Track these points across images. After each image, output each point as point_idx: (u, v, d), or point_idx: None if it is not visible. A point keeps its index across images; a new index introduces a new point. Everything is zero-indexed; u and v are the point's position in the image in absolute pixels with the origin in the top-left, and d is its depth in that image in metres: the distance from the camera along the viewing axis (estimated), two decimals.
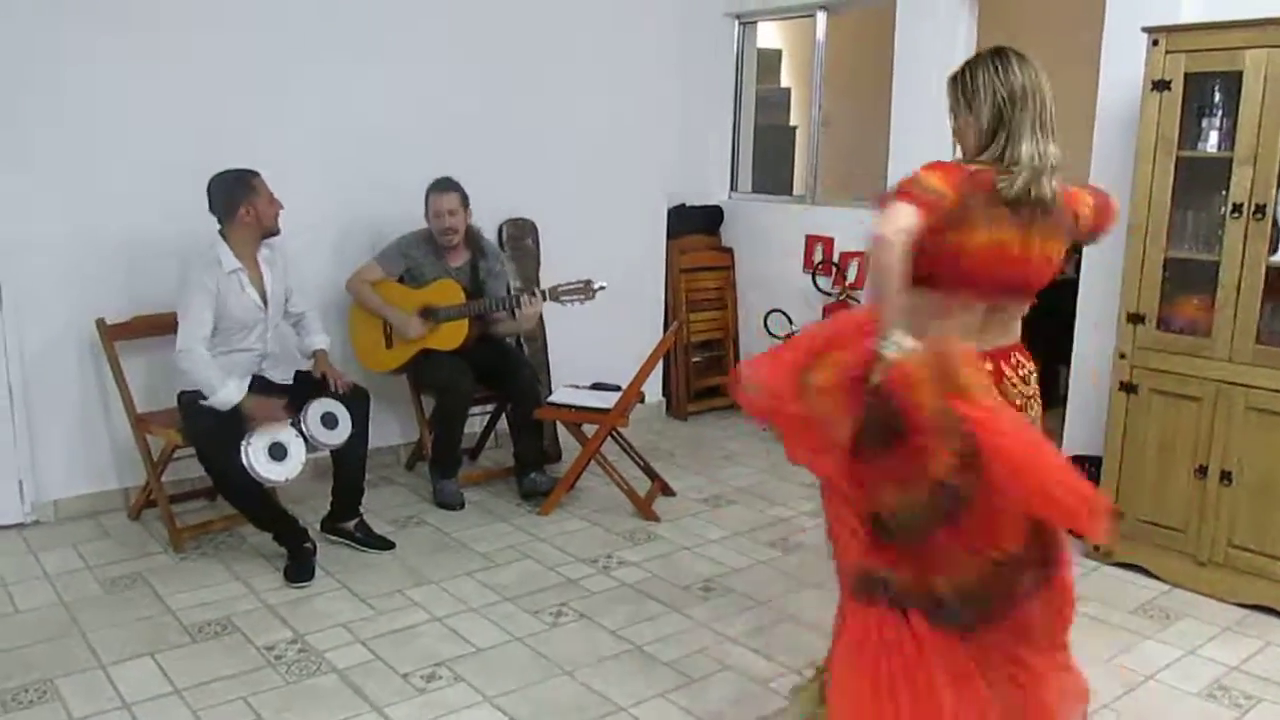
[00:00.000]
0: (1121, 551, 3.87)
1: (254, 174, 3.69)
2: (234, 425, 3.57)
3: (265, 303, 3.77)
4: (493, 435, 5.12)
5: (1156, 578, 3.77)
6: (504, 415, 4.88)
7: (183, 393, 3.73)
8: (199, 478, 4.01)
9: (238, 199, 3.64)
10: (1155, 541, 3.79)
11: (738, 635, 3.30)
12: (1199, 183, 3.67)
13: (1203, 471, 3.63)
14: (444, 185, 4.39)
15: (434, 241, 4.44)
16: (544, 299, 4.36)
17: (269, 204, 3.70)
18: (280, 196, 3.76)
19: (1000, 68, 2.24)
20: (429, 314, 4.35)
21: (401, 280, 4.43)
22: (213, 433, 3.60)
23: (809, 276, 5.55)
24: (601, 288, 4.34)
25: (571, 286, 4.34)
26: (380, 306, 4.38)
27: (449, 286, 4.40)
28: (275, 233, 3.76)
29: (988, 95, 2.23)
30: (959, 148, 2.37)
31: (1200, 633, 3.41)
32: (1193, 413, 3.64)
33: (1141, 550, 3.83)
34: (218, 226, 3.69)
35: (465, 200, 4.41)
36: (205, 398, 3.60)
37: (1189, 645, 3.32)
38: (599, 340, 4.87)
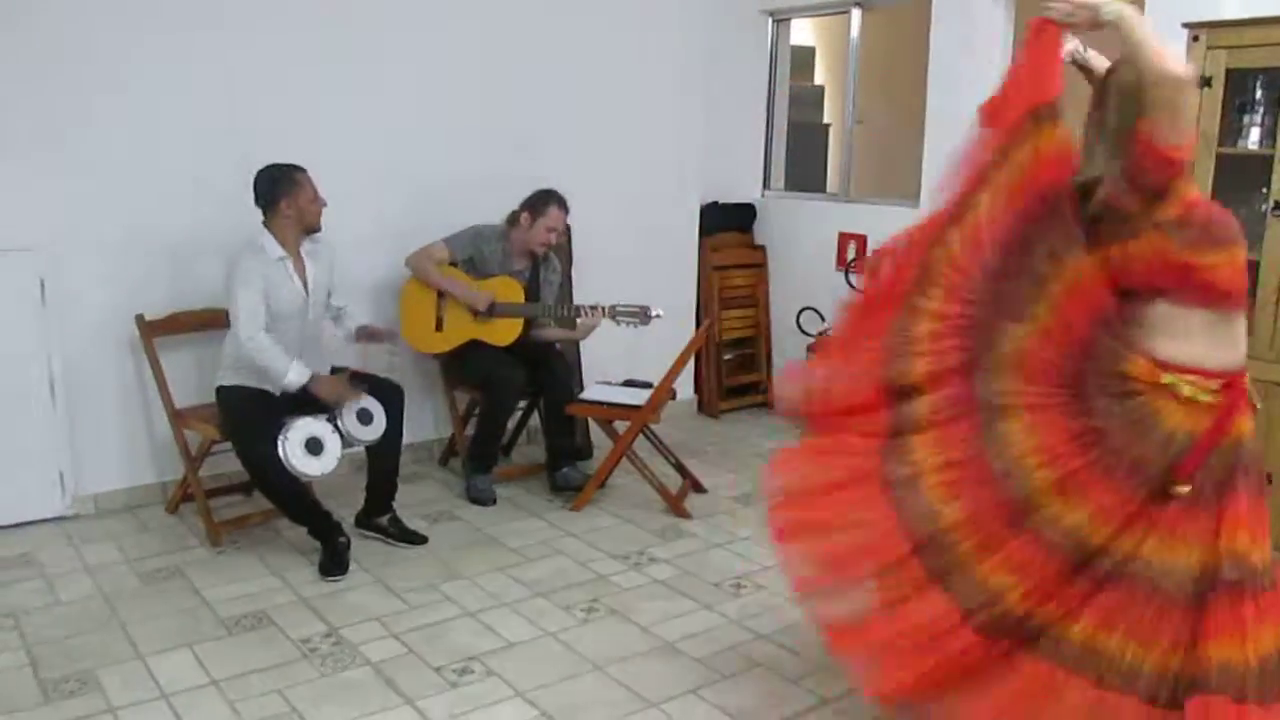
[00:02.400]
0: None
1: (299, 169, 3.73)
2: (270, 420, 3.62)
3: (307, 293, 3.81)
4: (524, 431, 5.14)
5: None
6: (536, 411, 4.91)
7: (220, 387, 3.77)
8: (236, 472, 4.06)
9: (279, 193, 3.68)
10: None
11: (769, 632, 3.30)
12: (1239, 180, 3.62)
13: None
14: (566, 204, 4.44)
15: (506, 239, 4.48)
16: (603, 315, 4.39)
17: (311, 200, 3.74)
18: (328, 184, 3.80)
19: None
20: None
21: (456, 265, 4.47)
22: (250, 427, 3.64)
23: (842, 274, 5.53)
24: (658, 315, 4.36)
25: (630, 309, 4.36)
26: (444, 281, 4.40)
27: (510, 284, 4.43)
28: (316, 229, 3.80)
29: None
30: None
31: None
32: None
33: None
34: (261, 218, 3.74)
35: None
36: (251, 389, 3.67)
37: None
38: (631, 338, 4.88)
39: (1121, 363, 2.15)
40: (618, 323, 4.39)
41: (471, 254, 4.46)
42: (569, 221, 4.95)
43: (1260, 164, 3.51)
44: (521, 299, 4.45)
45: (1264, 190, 3.49)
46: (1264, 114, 3.56)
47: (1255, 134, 3.59)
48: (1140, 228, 2.13)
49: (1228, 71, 3.54)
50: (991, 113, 2.32)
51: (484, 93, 4.88)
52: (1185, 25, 3.62)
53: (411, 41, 4.63)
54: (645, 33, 5.39)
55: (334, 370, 3.95)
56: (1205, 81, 3.57)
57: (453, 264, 4.46)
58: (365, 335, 4.04)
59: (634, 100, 5.39)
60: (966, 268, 2.31)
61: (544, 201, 4.41)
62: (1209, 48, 3.56)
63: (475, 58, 4.83)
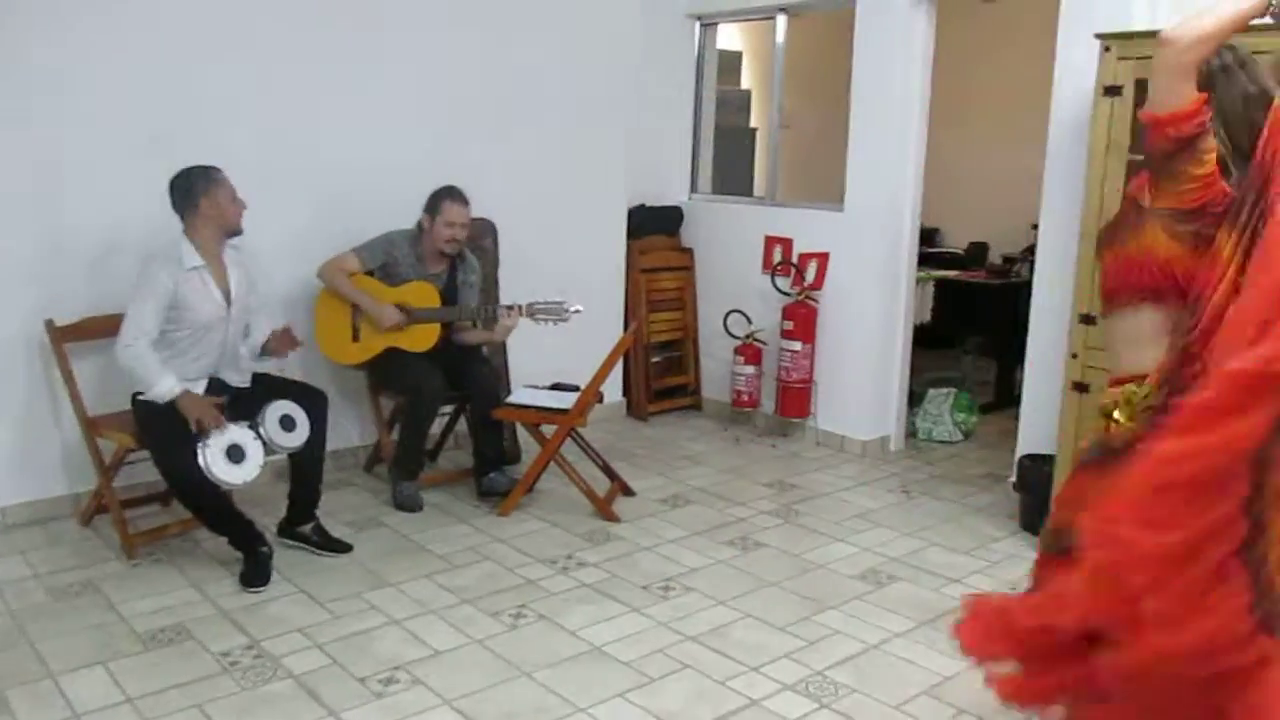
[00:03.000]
0: None
1: (215, 170, 3.64)
2: (189, 427, 3.52)
3: (229, 302, 3.72)
4: (451, 436, 5.09)
5: None
6: (463, 416, 4.87)
7: (137, 394, 3.67)
8: (153, 482, 3.96)
9: (197, 194, 3.59)
10: None
11: (696, 634, 3.31)
12: None
13: None
14: (461, 196, 4.37)
15: (418, 244, 4.41)
16: (521, 314, 4.34)
17: (230, 201, 3.66)
18: (243, 191, 3.71)
19: None
20: (404, 312, 4.33)
21: (371, 274, 4.41)
22: (168, 435, 3.54)
23: (768, 277, 5.58)
24: (577, 311, 4.33)
25: (547, 306, 4.33)
26: (355, 293, 4.33)
27: (425, 289, 4.38)
28: (238, 231, 3.71)
29: None
30: None
31: None
32: None
33: None
34: (181, 226, 3.64)
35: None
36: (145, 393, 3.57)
37: None
38: (559, 341, 4.87)
39: None
40: (536, 321, 4.36)
41: (384, 261, 4.40)
42: (491, 222, 4.94)
43: None
44: (437, 303, 4.39)
45: None
46: None
47: None
48: None
49: (1137, 81, 3.64)
50: None
51: (409, 96, 4.82)
52: (1097, 36, 3.72)
53: (340, 44, 4.56)
54: (573, 36, 5.38)
55: (255, 378, 3.87)
56: (1115, 90, 3.67)
57: (369, 273, 4.39)
58: (274, 341, 3.87)
59: (561, 103, 5.38)
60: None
61: (438, 199, 4.37)
62: (1119, 58, 3.66)
63: (401, 60, 4.77)
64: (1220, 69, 2.05)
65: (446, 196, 4.36)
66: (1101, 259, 2.23)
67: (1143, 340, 2.11)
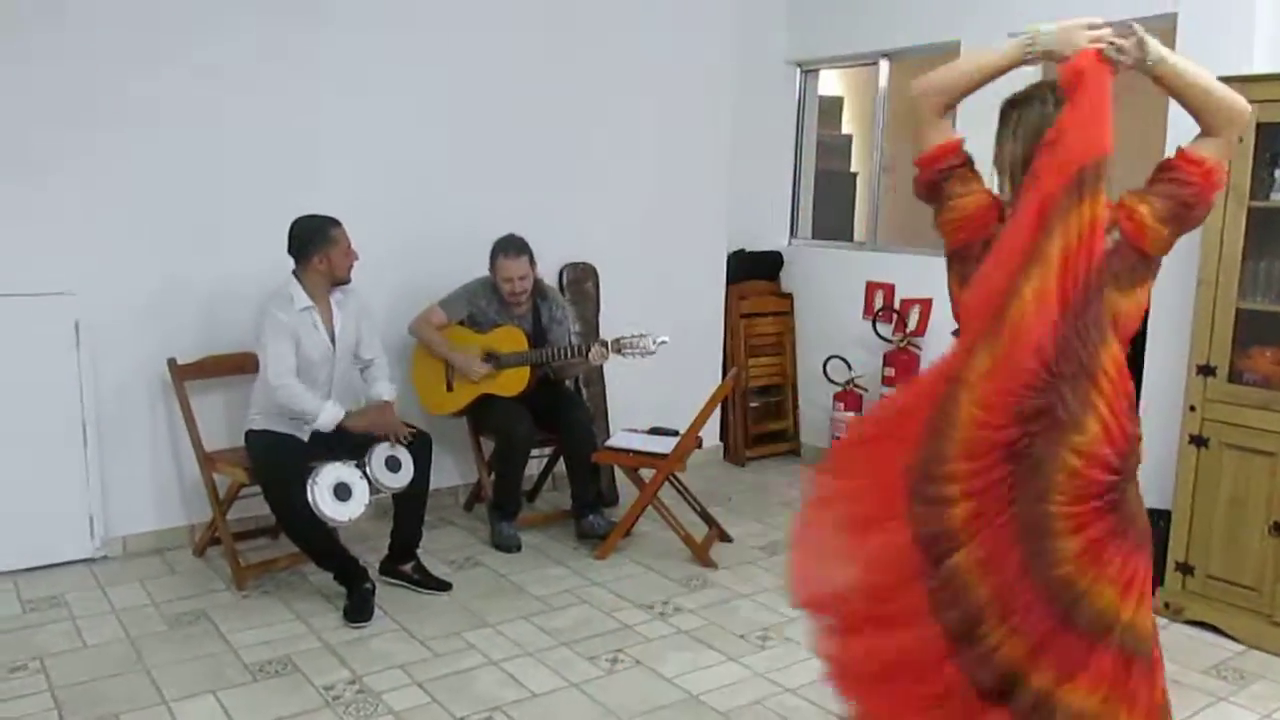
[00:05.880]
0: (1193, 610, 3.76)
1: (335, 223, 3.77)
2: (300, 464, 3.64)
3: (334, 343, 3.85)
4: (550, 478, 5.13)
5: (1230, 637, 3.66)
6: (562, 458, 4.90)
7: (250, 431, 3.81)
8: (263, 516, 4.08)
9: (314, 246, 3.73)
10: (1228, 600, 3.68)
11: (795, 686, 3.26)
12: (1271, 233, 3.60)
13: (1277, 529, 3.52)
14: (514, 249, 4.36)
15: (499, 289, 4.48)
16: (608, 352, 4.33)
17: (344, 255, 3.79)
18: (353, 241, 3.83)
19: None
20: (491, 359, 4.40)
21: (462, 324, 4.49)
22: (279, 471, 3.67)
23: (869, 323, 5.52)
24: (663, 342, 4.32)
25: (632, 340, 4.32)
26: (443, 348, 4.43)
27: (513, 333, 4.44)
28: (346, 281, 3.85)
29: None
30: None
31: (1277, 695, 3.29)
32: (1266, 467, 3.54)
33: (1213, 609, 3.72)
34: (292, 266, 3.79)
35: (533, 260, 4.41)
36: (281, 434, 3.71)
37: (1266, 709, 3.21)
38: (658, 384, 4.88)
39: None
40: (624, 355, 4.34)
41: (470, 311, 4.47)
42: (592, 265, 4.97)
43: None
44: (525, 346, 4.42)
45: None
46: None
47: None
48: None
49: (1258, 125, 3.52)
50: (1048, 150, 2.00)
51: (514, 141, 4.91)
52: (1217, 79, 3.61)
53: (444, 88, 4.69)
54: (673, 83, 5.44)
55: None
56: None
57: (461, 323, 4.48)
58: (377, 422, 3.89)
59: (662, 148, 5.43)
60: (1017, 371, 1.96)
61: (494, 256, 4.38)
62: None
63: (506, 105, 4.88)
64: (1024, 98, 2.18)
65: (499, 253, 4.37)
66: None
67: None
